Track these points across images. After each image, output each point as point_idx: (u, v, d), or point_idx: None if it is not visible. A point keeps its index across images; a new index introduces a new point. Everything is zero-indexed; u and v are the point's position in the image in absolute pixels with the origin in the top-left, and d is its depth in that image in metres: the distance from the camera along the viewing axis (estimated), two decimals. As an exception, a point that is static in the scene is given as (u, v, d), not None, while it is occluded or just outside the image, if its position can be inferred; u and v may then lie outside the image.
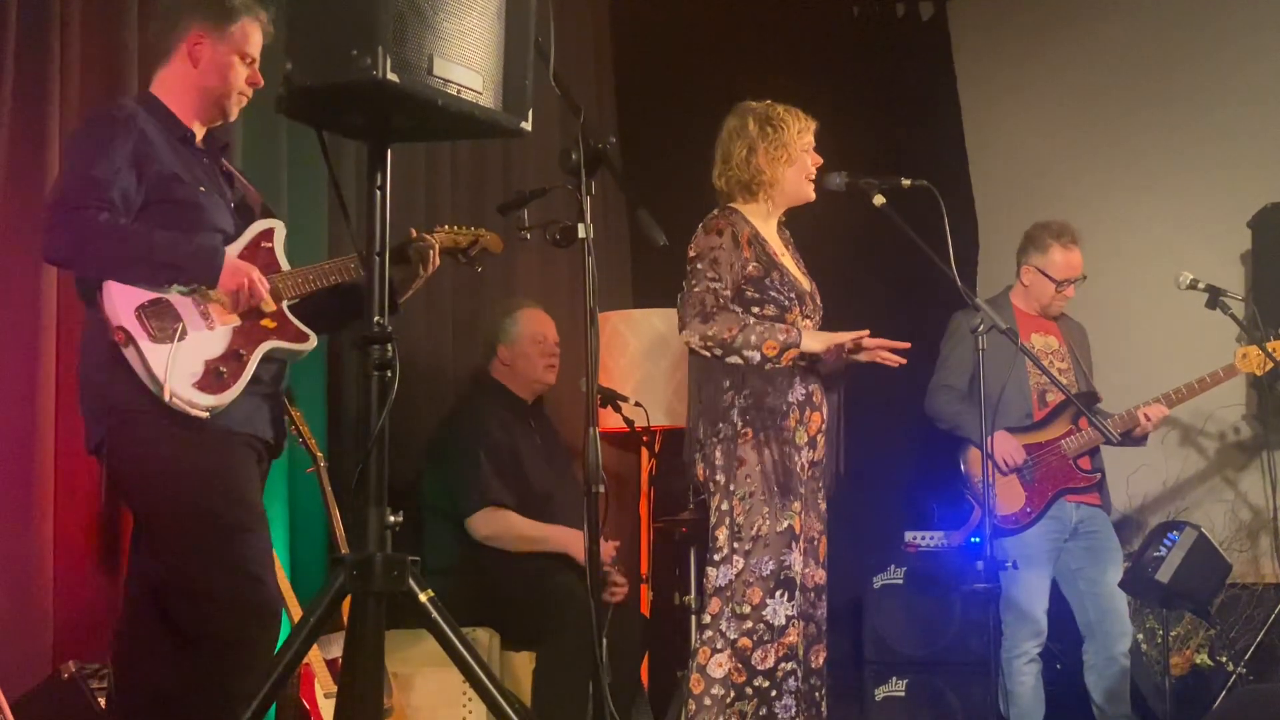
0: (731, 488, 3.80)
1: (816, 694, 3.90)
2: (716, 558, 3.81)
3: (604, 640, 2.81)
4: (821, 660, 3.92)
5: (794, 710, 3.80)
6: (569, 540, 4.44)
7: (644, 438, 4.99)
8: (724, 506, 3.81)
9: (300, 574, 4.14)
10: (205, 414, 2.98)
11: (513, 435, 4.60)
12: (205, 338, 3.03)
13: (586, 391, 2.86)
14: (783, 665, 3.79)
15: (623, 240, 5.92)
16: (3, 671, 3.21)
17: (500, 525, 4.45)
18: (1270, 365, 4.71)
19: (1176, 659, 5.10)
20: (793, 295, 3.90)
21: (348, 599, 2.40)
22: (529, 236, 3.15)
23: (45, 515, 3.51)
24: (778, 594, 3.78)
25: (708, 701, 3.75)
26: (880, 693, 5.01)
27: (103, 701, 3.30)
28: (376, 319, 2.42)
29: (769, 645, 3.77)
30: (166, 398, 2.93)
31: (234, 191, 3.29)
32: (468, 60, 2.37)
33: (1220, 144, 5.63)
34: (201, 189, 3.14)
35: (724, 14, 5.99)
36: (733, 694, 3.76)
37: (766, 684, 3.77)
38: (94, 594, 3.61)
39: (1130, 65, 5.91)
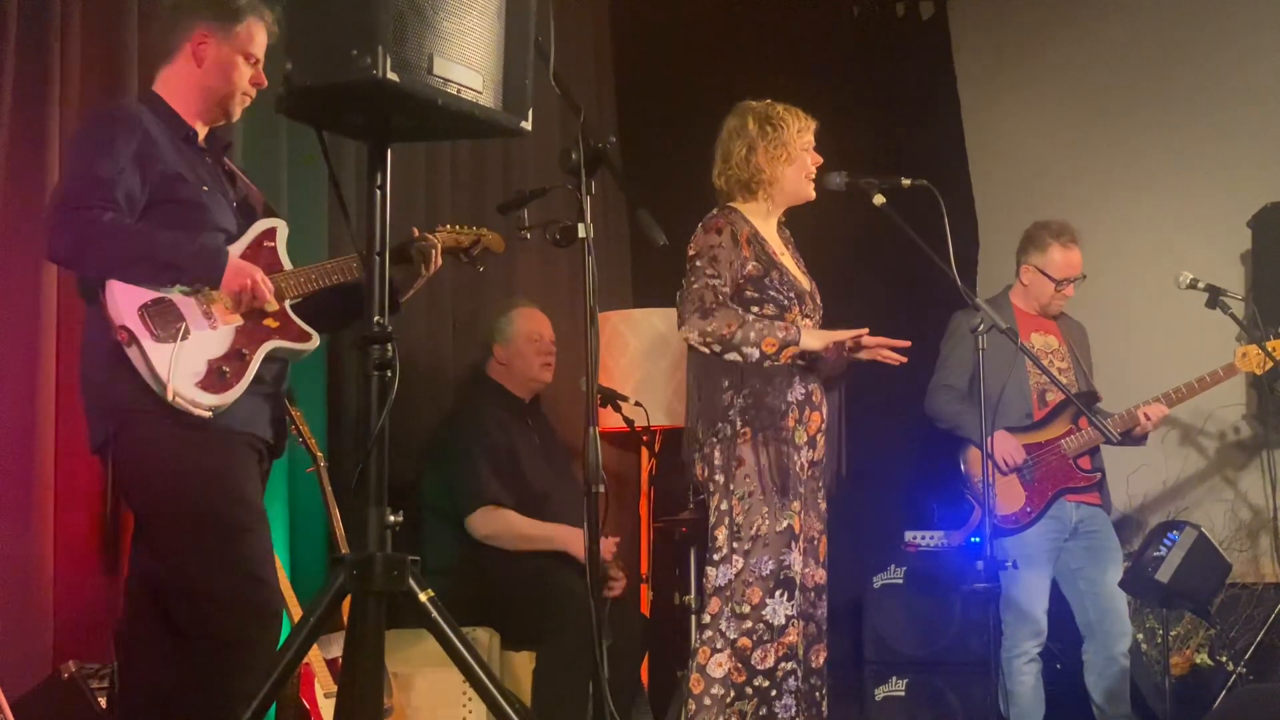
0: (731, 487, 3.80)
1: (817, 694, 3.90)
2: (716, 557, 3.81)
3: (604, 640, 2.81)
4: (822, 660, 3.92)
5: (794, 710, 3.80)
6: (569, 538, 4.44)
7: (644, 437, 4.99)
8: (723, 506, 3.81)
9: (300, 574, 4.14)
10: (208, 413, 2.98)
11: (511, 435, 4.60)
12: (208, 337, 3.02)
13: (586, 391, 2.86)
14: (782, 665, 3.79)
15: (623, 240, 5.92)
16: (3, 671, 3.20)
17: (499, 524, 4.45)
18: (1270, 365, 4.71)
19: (1176, 659, 5.10)
20: (792, 295, 3.90)
21: (348, 599, 2.40)
22: (529, 236, 3.15)
23: (45, 515, 3.52)
24: (777, 594, 3.78)
25: (708, 701, 3.75)
26: (880, 693, 5.01)
27: (103, 701, 3.30)
28: (376, 319, 2.42)
29: (769, 645, 3.77)
30: (169, 397, 2.92)
31: (236, 191, 3.28)
32: (468, 60, 2.37)
33: (1220, 144, 5.63)
34: (204, 188, 3.14)
35: (724, 14, 5.99)
36: (733, 694, 3.76)
37: (766, 684, 3.77)
38: (94, 594, 3.60)
39: (1130, 65, 5.91)
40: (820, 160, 4.00)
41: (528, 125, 2.49)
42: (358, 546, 2.38)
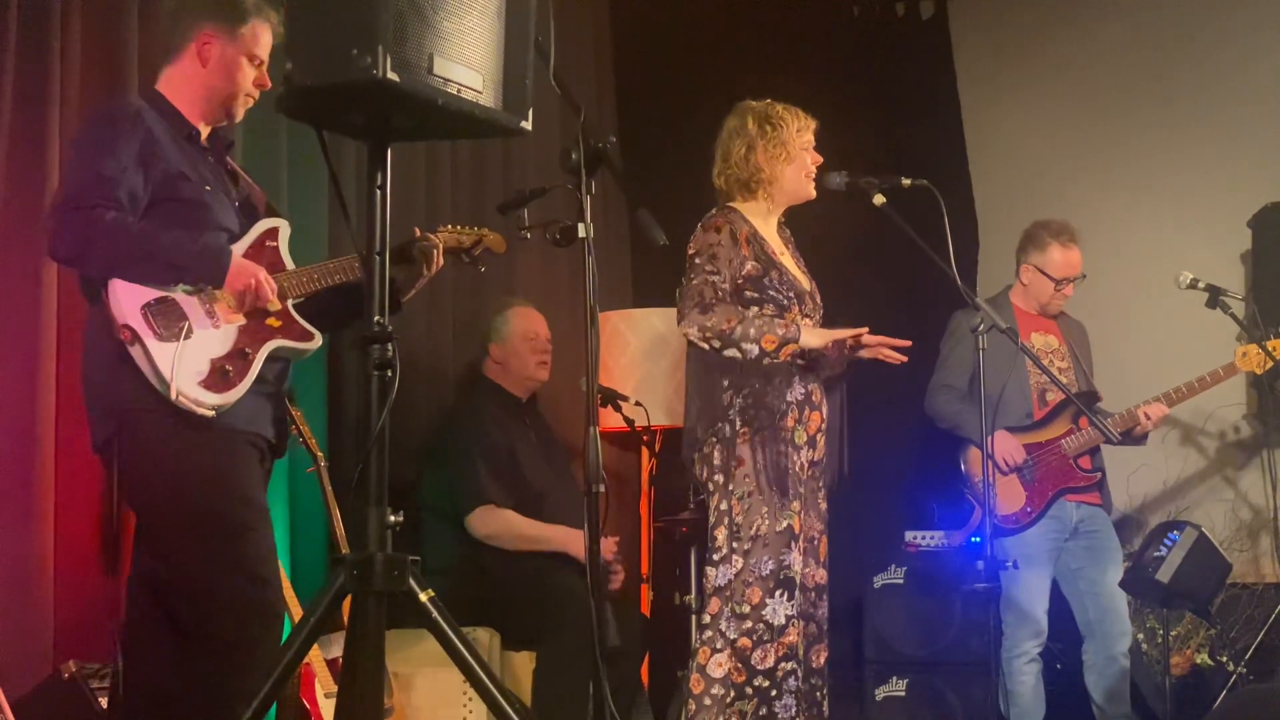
0: (730, 487, 3.80)
1: (818, 694, 3.90)
2: (716, 557, 3.81)
3: (604, 640, 2.81)
4: (823, 660, 3.92)
5: (794, 710, 3.80)
6: (568, 540, 4.44)
7: (644, 437, 5.00)
8: (723, 506, 3.81)
9: (300, 574, 4.14)
10: (211, 412, 2.98)
11: (508, 433, 4.60)
12: (211, 336, 3.02)
13: (587, 391, 2.86)
14: (782, 665, 3.79)
15: (623, 240, 5.92)
16: (3, 671, 3.21)
17: (499, 524, 4.45)
18: (1270, 364, 4.71)
19: (1177, 659, 5.10)
20: (791, 294, 3.90)
21: (348, 599, 2.40)
22: (529, 236, 3.15)
23: (45, 515, 3.52)
24: (777, 594, 3.78)
25: (708, 701, 3.75)
26: (881, 692, 5.00)
27: (103, 701, 3.30)
28: (377, 318, 2.42)
29: (769, 645, 3.77)
30: (173, 396, 2.92)
31: (239, 190, 3.28)
32: (468, 59, 2.36)
33: (1220, 144, 5.63)
34: (207, 188, 3.14)
35: (724, 14, 5.99)
36: (733, 694, 3.76)
37: (766, 684, 3.77)
38: (94, 594, 3.60)
39: (1130, 65, 5.91)
40: (820, 159, 4.00)
41: (528, 125, 2.49)
42: (358, 546, 2.38)
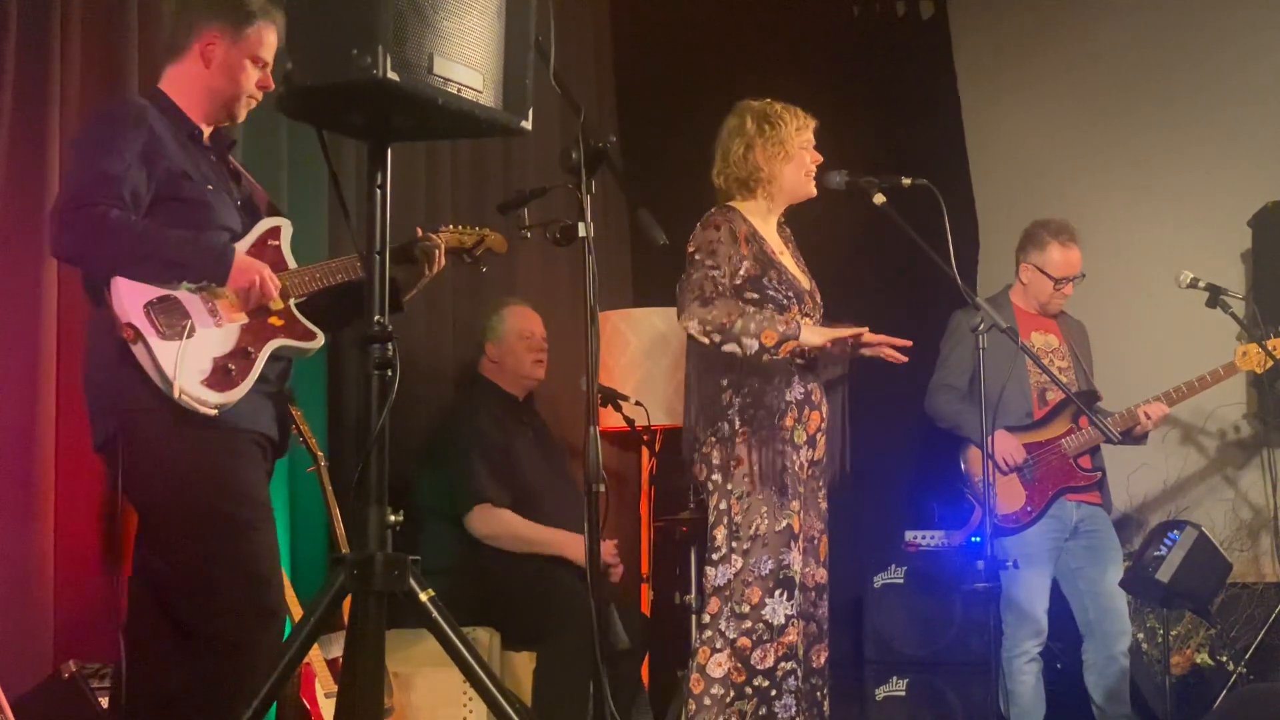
0: (729, 487, 3.80)
1: (818, 693, 3.90)
2: (715, 557, 3.81)
3: (608, 641, 2.81)
4: (823, 660, 3.92)
5: (794, 710, 3.80)
6: (566, 543, 4.44)
7: (644, 437, 5.00)
8: (722, 505, 3.81)
9: (300, 574, 4.14)
10: (213, 411, 2.97)
11: (506, 433, 4.60)
12: (213, 335, 3.02)
13: (587, 390, 2.86)
14: (782, 665, 3.79)
15: (623, 239, 5.92)
16: (3, 671, 3.20)
17: (498, 525, 4.45)
18: (1270, 363, 4.72)
19: (1177, 658, 5.10)
20: (791, 294, 3.90)
21: (348, 599, 2.40)
22: (529, 236, 3.15)
23: (45, 515, 3.51)
24: (777, 593, 3.78)
25: (707, 701, 3.75)
26: (881, 692, 5.00)
27: (103, 701, 3.30)
28: (377, 318, 2.42)
29: (768, 645, 3.77)
30: (175, 395, 2.92)
31: (241, 189, 3.28)
32: (468, 59, 2.36)
33: (1220, 144, 5.63)
34: (209, 187, 3.13)
35: (724, 14, 5.99)
36: (732, 693, 3.76)
37: (766, 683, 3.77)
38: (94, 594, 3.60)
39: (1130, 65, 5.90)
40: (820, 158, 4.00)
41: (528, 124, 2.49)
42: (358, 546, 2.38)
